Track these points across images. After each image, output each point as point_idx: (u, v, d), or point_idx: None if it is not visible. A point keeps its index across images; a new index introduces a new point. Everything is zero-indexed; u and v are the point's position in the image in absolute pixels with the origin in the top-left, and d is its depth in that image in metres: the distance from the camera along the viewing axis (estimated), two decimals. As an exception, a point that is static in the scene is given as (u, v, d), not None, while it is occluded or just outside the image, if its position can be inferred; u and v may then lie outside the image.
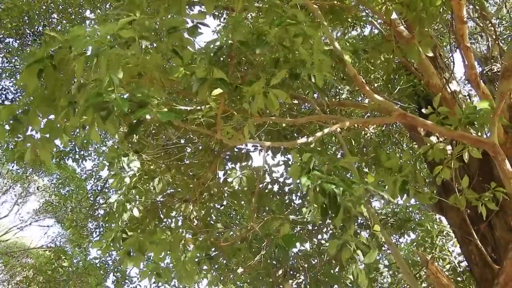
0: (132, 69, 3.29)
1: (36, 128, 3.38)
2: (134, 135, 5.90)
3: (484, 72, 7.93)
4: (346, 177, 3.69)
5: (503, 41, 8.68)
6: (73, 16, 9.79)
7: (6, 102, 11.30)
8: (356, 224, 6.86)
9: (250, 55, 4.97)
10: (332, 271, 7.69)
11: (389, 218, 8.17)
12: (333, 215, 3.47)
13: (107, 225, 5.94)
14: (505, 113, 5.84)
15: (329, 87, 7.72)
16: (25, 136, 3.40)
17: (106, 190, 13.69)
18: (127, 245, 5.64)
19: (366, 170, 7.77)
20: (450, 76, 6.61)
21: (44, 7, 9.92)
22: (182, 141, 6.68)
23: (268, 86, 3.81)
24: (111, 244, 5.69)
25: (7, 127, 3.41)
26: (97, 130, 3.30)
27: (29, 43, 10.57)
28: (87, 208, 14.49)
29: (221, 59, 4.31)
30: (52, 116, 3.41)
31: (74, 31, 3.03)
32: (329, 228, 7.34)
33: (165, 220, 6.65)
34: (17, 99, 11.07)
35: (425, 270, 6.07)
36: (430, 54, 6.14)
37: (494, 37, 8.04)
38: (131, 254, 5.43)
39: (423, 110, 5.04)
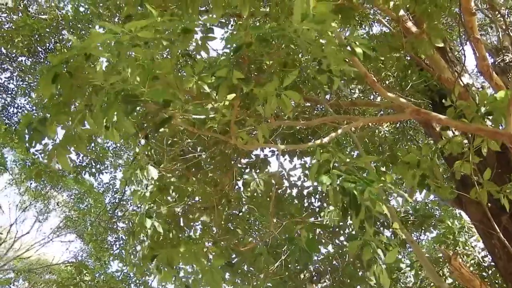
0: (148, 72, 3.32)
1: (53, 136, 3.43)
2: (150, 148, 5.95)
3: (496, 63, 7.85)
4: (364, 176, 3.69)
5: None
6: (83, 32, 9.91)
7: (22, 121, 11.41)
8: (377, 223, 6.81)
9: (261, 58, 4.97)
10: (355, 272, 7.64)
11: (409, 216, 8.10)
12: (353, 214, 3.47)
13: (131, 242, 5.96)
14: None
15: (341, 88, 7.71)
16: (44, 144, 3.47)
17: (124, 203, 13.80)
18: (159, 261, 5.68)
19: (383, 169, 7.72)
20: (462, 69, 6.56)
21: (54, 24, 10.05)
22: (198, 150, 6.71)
23: (280, 87, 3.82)
24: (143, 264, 5.75)
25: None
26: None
27: (41, 60, 10.71)
28: (106, 222, 14.61)
29: (235, 62, 4.34)
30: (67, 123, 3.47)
31: (93, 35, 3.06)
32: (349, 229, 7.30)
33: (187, 230, 6.67)
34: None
35: (448, 267, 6.00)
36: (441, 45, 6.10)
37: (504, 27, 7.97)
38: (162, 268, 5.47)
39: (444, 102, 4.99)
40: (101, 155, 11.59)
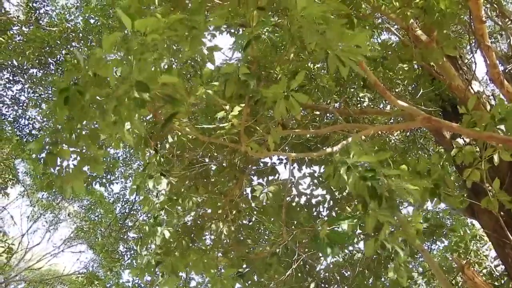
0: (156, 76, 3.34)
1: (67, 158, 3.44)
2: (159, 157, 5.96)
3: (506, 70, 7.80)
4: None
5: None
6: (93, 43, 10.01)
7: (34, 132, 11.55)
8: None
9: (271, 64, 5.00)
10: (365, 282, 7.57)
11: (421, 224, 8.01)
12: (375, 203, 3.50)
13: (139, 250, 5.98)
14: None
15: (350, 96, 7.70)
16: (58, 168, 3.47)
17: (134, 213, 13.84)
18: (162, 269, 5.69)
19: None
20: (472, 77, 6.53)
21: (64, 36, 10.17)
22: (206, 160, 6.72)
23: (288, 90, 3.84)
24: (146, 268, 5.76)
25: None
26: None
27: (52, 72, 10.83)
28: (117, 232, 14.64)
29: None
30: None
31: (106, 38, 3.07)
32: (359, 239, 7.24)
33: (197, 240, 6.66)
34: (44, 127, 11.33)
35: (461, 276, 5.93)
36: (454, 54, 6.08)
37: (514, 34, 7.94)
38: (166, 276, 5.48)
39: (458, 110, 4.97)
40: (111, 165, 11.65)
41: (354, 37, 3.38)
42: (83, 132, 3.37)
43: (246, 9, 4.50)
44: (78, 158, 3.52)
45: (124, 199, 15.07)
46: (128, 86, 3.13)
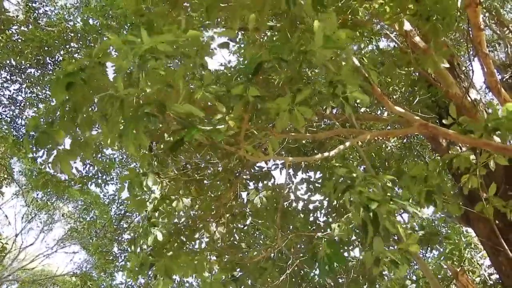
0: (162, 80, 3.33)
1: (60, 141, 3.43)
2: (153, 157, 5.95)
3: (504, 79, 7.82)
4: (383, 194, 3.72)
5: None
6: (92, 44, 10.00)
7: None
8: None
9: (272, 73, 4.98)
10: (359, 288, 7.56)
11: (416, 232, 8.01)
12: (372, 231, 3.49)
13: (132, 250, 5.96)
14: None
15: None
16: (48, 149, 3.46)
17: (129, 214, 13.79)
18: (156, 270, 5.67)
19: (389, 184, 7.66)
20: (470, 84, 6.53)
21: (63, 35, 10.15)
22: (201, 162, 6.69)
23: (293, 103, 3.83)
24: (139, 270, 5.74)
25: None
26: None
27: (50, 72, 10.80)
28: (111, 233, 14.59)
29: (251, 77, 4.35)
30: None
31: (110, 41, 3.05)
32: (354, 246, 7.23)
33: (188, 242, 6.64)
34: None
35: (455, 283, 5.93)
36: (446, 65, 6.09)
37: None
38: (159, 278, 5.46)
39: (444, 121, 5.00)
40: (107, 166, 11.61)
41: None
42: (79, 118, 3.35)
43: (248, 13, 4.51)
44: (70, 141, 3.52)
45: (120, 201, 15.03)
46: (138, 100, 3.13)
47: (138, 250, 5.94)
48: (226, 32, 4.27)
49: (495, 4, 8.99)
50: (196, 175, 6.32)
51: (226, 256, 6.72)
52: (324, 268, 4.27)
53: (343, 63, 3.48)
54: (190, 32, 3.35)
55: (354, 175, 3.67)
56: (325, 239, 5.73)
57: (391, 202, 3.46)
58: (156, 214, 6.24)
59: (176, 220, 6.69)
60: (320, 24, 3.14)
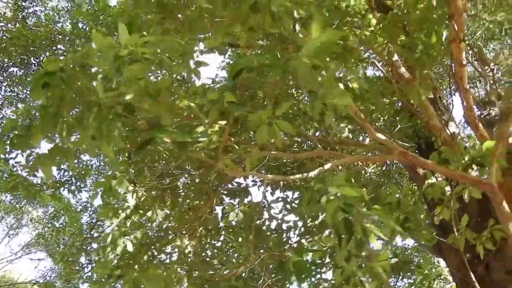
0: (145, 89, 3.30)
1: (36, 145, 3.37)
2: (130, 165, 5.90)
3: (483, 116, 8.01)
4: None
5: (501, 87, 8.82)
6: (79, 48, 9.92)
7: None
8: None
9: (256, 87, 5.01)
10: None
11: (388, 260, 8.03)
12: (346, 238, 3.50)
13: (99, 259, 5.84)
14: (504, 157, 5.88)
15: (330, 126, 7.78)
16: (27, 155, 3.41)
17: (101, 224, 13.53)
18: (124, 283, 5.55)
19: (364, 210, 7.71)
20: (449, 117, 6.68)
21: (51, 37, 10.05)
22: (178, 173, 6.64)
23: (273, 116, 3.84)
24: (106, 281, 5.62)
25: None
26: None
27: (33, 72, 10.66)
28: (80, 242, 14.28)
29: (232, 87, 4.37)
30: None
31: (95, 38, 3.00)
32: (327, 268, 7.21)
33: (159, 255, 6.53)
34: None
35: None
36: (430, 96, 6.23)
37: (492, 82, 8.18)
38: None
39: (433, 146, 5.09)
40: (83, 172, 11.42)
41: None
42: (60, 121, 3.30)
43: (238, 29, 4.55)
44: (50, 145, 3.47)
45: (92, 209, 14.75)
46: (113, 100, 3.11)
47: (106, 259, 5.83)
48: (212, 41, 4.29)
49: (478, 43, 9.29)
50: (172, 185, 6.28)
51: (197, 271, 6.64)
52: (290, 276, 4.26)
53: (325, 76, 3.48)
54: (168, 37, 3.34)
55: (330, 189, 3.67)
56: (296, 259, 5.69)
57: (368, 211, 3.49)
58: (128, 223, 6.16)
59: (148, 231, 6.60)
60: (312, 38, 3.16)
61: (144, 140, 3.89)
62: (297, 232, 7.24)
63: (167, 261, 6.73)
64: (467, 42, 6.86)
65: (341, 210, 3.47)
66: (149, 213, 6.29)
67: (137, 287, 5.55)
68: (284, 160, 7.12)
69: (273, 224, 7.17)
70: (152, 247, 6.52)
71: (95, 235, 13.28)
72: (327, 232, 6.30)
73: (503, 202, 4.81)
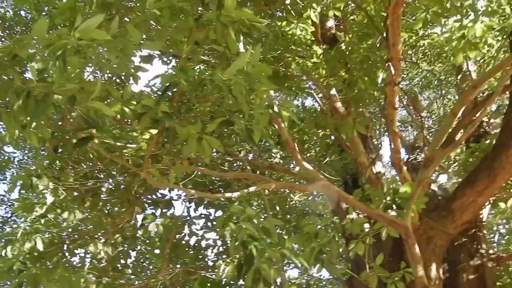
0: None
1: None
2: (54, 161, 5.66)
3: (409, 159, 8.32)
4: (266, 238, 3.70)
5: (429, 134, 9.23)
6: (18, 36, 9.46)
7: None
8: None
9: (191, 101, 4.96)
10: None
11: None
12: (246, 271, 3.45)
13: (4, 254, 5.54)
14: (424, 201, 6.10)
15: (263, 150, 7.84)
16: None
17: (16, 219, 12.84)
18: (22, 278, 5.28)
19: (285, 237, 7.77)
20: (376, 157, 6.89)
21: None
22: (102, 176, 6.43)
23: (203, 132, 3.80)
24: (6, 274, 5.33)
25: None
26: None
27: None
28: (-8, 235, 13.46)
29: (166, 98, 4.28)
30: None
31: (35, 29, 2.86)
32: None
33: (70, 256, 6.27)
34: None
35: None
36: (365, 132, 6.41)
37: (421, 128, 8.53)
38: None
39: (358, 183, 5.21)
40: (4, 164, 10.83)
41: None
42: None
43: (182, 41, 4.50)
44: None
45: (9, 203, 13.95)
46: (47, 88, 2.97)
47: (13, 254, 5.53)
48: (150, 45, 4.21)
49: (415, 89, 9.70)
50: (94, 187, 6.07)
51: (106, 278, 6.40)
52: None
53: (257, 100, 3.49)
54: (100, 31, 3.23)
55: (246, 213, 3.64)
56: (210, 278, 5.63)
57: (276, 248, 3.45)
58: (43, 221, 5.90)
59: (62, 231, 6.34)
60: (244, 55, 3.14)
61: (82, 137, 3.75)
62: (215, 250, 7.18)
63: (78, 263, 6.48)
64: (401, 87, 7.15)
65: (242, 244, 3.43)
66: (65, 214, 6.04)
67: (36, 286, 5.30)
68: (212, 178, 7.06)
69: (193, 240, 7.07)
70: (64, 248, 6.26)
71: (7, 230, 12.56)
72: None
73: (415, 245, 4.99)
